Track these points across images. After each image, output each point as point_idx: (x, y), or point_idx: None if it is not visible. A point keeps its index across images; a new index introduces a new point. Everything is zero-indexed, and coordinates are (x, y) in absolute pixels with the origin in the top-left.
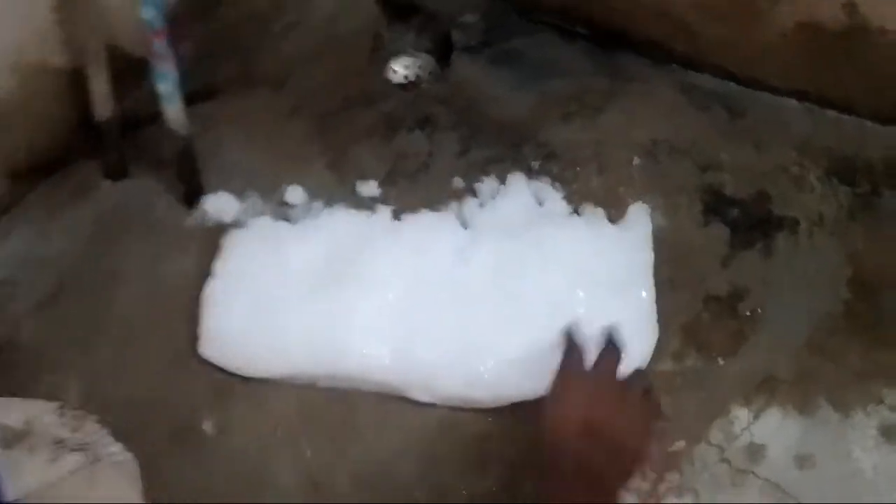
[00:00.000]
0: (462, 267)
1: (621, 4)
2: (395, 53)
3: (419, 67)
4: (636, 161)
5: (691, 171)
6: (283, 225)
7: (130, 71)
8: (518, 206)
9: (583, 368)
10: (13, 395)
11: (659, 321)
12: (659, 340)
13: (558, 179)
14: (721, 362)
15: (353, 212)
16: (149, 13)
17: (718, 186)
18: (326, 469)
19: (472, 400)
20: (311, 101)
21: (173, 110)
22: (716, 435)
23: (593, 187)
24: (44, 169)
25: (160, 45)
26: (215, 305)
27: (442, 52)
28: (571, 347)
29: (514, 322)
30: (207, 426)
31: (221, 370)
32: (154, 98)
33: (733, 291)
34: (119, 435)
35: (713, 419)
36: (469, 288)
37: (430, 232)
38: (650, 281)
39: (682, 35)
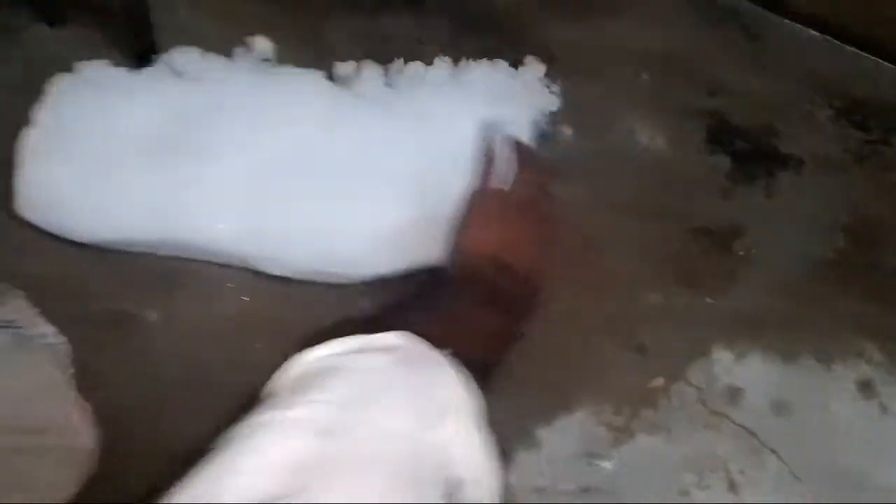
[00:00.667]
0: (326, 133)
1: None
2: None
3: None
4: (643, 76)
5: (698, 94)
6: (124, 72)
7: None
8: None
9: (497, 187)
10: None
11: (649, 251)
12: (649, 272)
13: (556, 83)
14: (708, 300)
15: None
16: None
17: (725, 114)
18: None
19: (327, 274)
20: None
21: None
22: (696, 375)
23: (594, 99)
24: None
25: None
26: (34, 159)
27: None
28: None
29: (375, 194)
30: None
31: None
32: None
33: (729, 228)
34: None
35: (694, 359)
36: (331, 157)
37: (296, 93)
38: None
39: None
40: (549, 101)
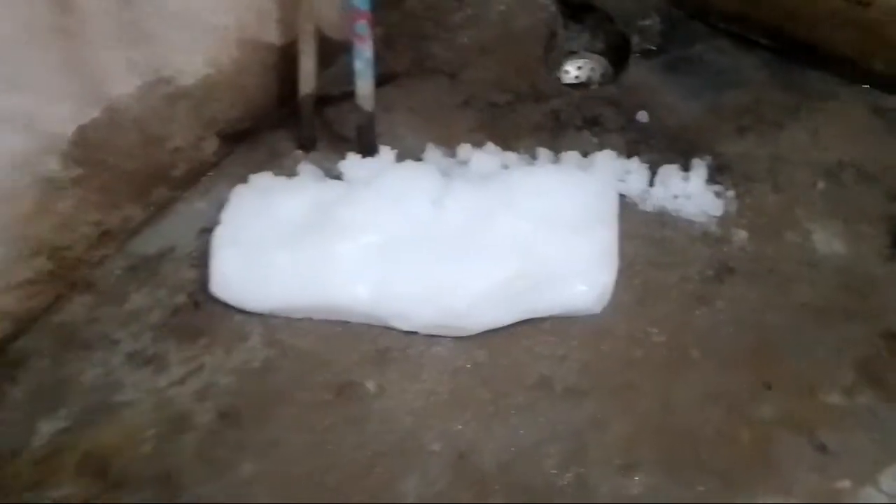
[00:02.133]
0: (437, 210)
1: (808, 13)
2: (568, 53)
3: (591, 69)
4: (819, 185)
5: (879, 200)
6: (280, 180)
7: (324, 54)
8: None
9: None
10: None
11: (830, 351)
12: (830, 372)
13: (730, 190)
14: None
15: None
16: None
17: None
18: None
19: (449, 328)
20: (484, 92)
21: (364, 86)
22: (888, 482)
23: (768, 204)
24: (244, 134)
25: (362, 26)
26: (220, 250)
27: (616, 54)
28: None
29: (483, 260)
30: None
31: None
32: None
33: None
34: None
35: (886, 464)
36: (443, 230)
37: (410, 180)
38: (614, 220)
39: (883, 51)
40: (715, 204)
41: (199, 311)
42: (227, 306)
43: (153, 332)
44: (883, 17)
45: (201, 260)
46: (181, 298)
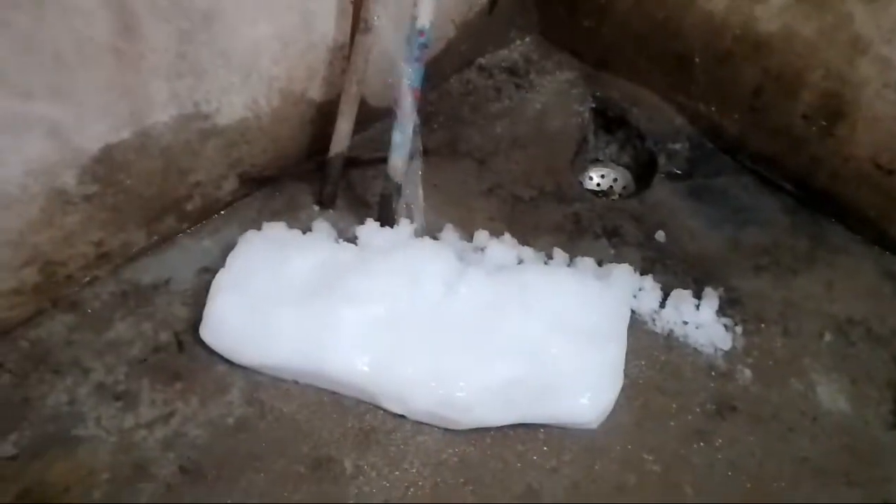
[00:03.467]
0: (450, 295)
1: (835, 167)
2: (595, 161)
3: (614, 180)
4: (827, 337)
5: (887, 365)
6: (293, 233)
7: (360, 117)
8: None
9: None
10: None
11: None
12: None
13: (739, 326)
14: None
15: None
16: (410, 72)
17: None
18: None
19: (442, 418)
20: (509, 183)
21: (398, 159)
22: None
23: (776, 347)
24: (266, 180)
25: (409, 102)
26: (219, 294)
27: (641, 170)
28: None
29: (491, 354)
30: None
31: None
32: (371, 146)
33: None
34: None
35: None
36: (453, 316)
37: (425, 259)
38: (624, 337)
39: None
40: (723, 337)
41: (182, 354)
42: (212, 353)
43: (129, 367)
44: None
45: (195, 299)
46: (166, 336)
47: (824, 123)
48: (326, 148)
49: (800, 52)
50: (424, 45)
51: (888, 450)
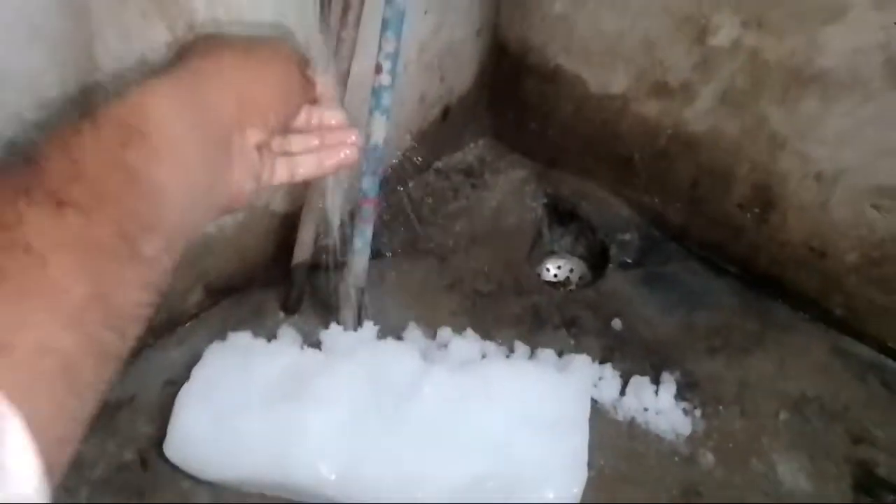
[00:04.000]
0: (414, 395)
1: (773, 251)
2: (551, 253)
3: (570, 270)
4: (783, 415)
5: (842, 440)
6: (259, 341)
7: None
8: None
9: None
10: None
11: None
12: None
13: (698, 409)
14: None
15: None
16: (367, 183)
17: (872, 464)
18: None
19: None
20: (470, 279)
21: (360, 264)
22: None
23: (735, 429)
24: (231, 290)
25: (368, 210)
26: (183, 409)
27: (595, 260)
28: None
29: (455, 454)
30: None
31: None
32: (334, 251)
33: None
34: None
35: None
36: (418, 415)
37: (389, 359)
38: (586, 426)
39: (839, 297)
40: (683, 422)
41: (147, 472)
42: (176, 470)
43: (90, 489)
44: (840, 268)
45: (160, 414)
46: (130, 455)
47: (758, 211)
48: (291, 255)
49: (727, 148)
50: (379, 159)
51: None
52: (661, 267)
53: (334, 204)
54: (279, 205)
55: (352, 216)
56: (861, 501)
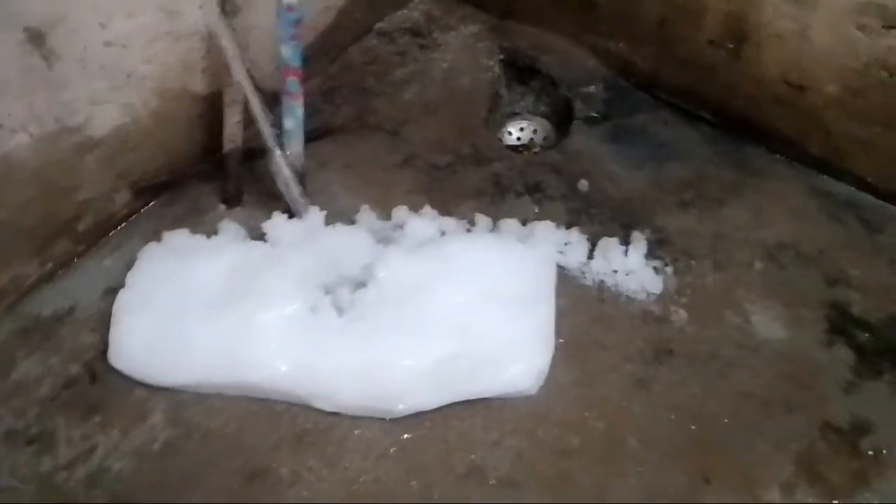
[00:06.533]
0: (370, 281)
1: (748, 91)
2: (511, 115)
3: (534, 132)
4: (758, 265)
5: (818, 283)
6: (197, 239)
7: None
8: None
9: None
10: None
11: (770, 444)
12: (769, 466)
13: (669, 266)
14: (835, 503)
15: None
16: (287, 52)
17: (846, 304)
18: None
19: (376, 409)
20: (424, 152)
21: (295, 145)
22: None
23: (708, 283)
24: (162, 186)
25: (293, 82)
26: (124, 315)
27: (560, 119)
28: None
29: (419, 335)
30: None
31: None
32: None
33: (856, 424)
34: None
35: None
36: (375, 302)
37: (340, 246)
38: (552, 297)
39: (818, 135)
40: (654, 280)
41: (96, 384)
42: (127, 379)
43: (40, 407)
44: (819, 103)
45: (103, 324)
46: (76, 368)
47: (731, 46)
48: (221, 143)
49: None
50: (297, 21)
51: (824, 369)
52: (628, 119)
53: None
54: (198, 86)
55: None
56: (835, 342)
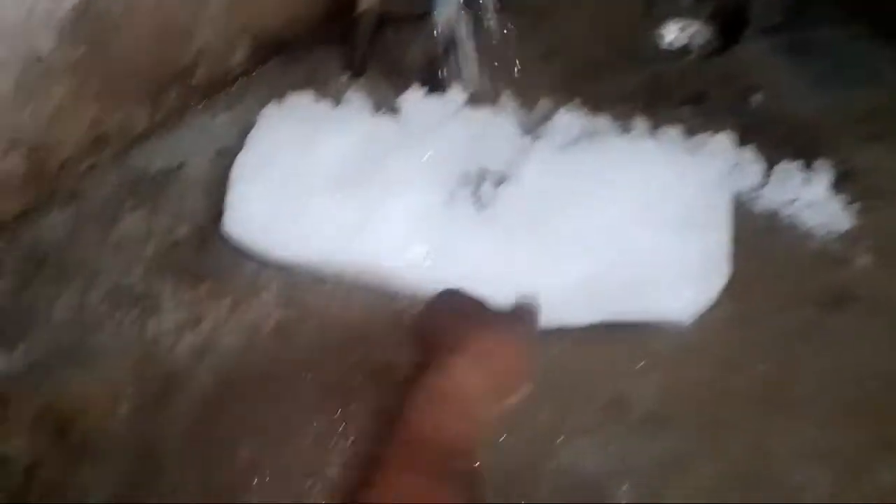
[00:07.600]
0: (515, 176)
1: None
2: (672, 14)
3: (692, 35)
4: None
5: None
6: (322, 106)
7: None
8: None
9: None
10: None
11: None
12: None
13: (856, 203)
14: None
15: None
16: None
17: None
18: None
19: None
20: (569, 47)
21: (446, 9)
22: None
23: None
24: (282, 45)
25: None
26: (242, 181)
27: (728, 23)
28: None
29: (568, 245)
30: None
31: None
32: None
33: None
34: None
35: None
36: (520, 200)
37: (483, 133)
38: (727, 220)
39: None
40: (838, 217)
41: (205, 251)
42: (238, 249)
43: (145, 267)
44: None
45: (215, 188)
46: (184, 231)
47: None
48: (353, 5)
49: None
50: None
51: None
52: (812, 32)
53: None
54: None
55: None
56: None
